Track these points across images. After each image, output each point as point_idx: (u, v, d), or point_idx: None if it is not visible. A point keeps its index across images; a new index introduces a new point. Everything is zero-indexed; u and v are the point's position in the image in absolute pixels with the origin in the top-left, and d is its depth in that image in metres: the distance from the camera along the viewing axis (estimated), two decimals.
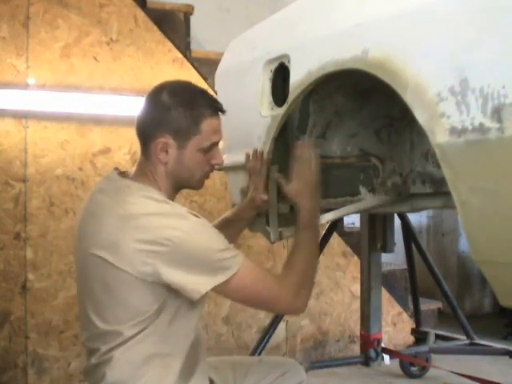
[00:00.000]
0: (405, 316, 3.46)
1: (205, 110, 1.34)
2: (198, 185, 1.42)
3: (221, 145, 1.84)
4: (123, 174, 1.39)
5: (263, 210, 1.64)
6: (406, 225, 2.90)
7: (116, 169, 1.41)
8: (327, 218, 1.71)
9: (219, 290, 1.27)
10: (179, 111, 1.32)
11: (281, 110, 1.55)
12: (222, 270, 1.26)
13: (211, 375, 1.45)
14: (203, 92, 1.38)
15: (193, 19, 3.33)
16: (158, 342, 1.27)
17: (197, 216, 1.29)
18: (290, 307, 1.36)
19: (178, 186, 1.39)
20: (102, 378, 1.28)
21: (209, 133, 1.35)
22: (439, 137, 1.02)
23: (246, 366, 1.56)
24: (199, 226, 1.27)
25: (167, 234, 1.22)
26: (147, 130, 1.34)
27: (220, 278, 1.25)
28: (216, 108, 1.37)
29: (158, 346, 1.28)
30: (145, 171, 1.36)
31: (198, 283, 1.23)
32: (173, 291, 1.25)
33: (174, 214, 1.27)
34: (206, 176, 1.42)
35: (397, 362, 2.92)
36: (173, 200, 1.36)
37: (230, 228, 1.65)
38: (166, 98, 1.33)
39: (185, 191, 2.94)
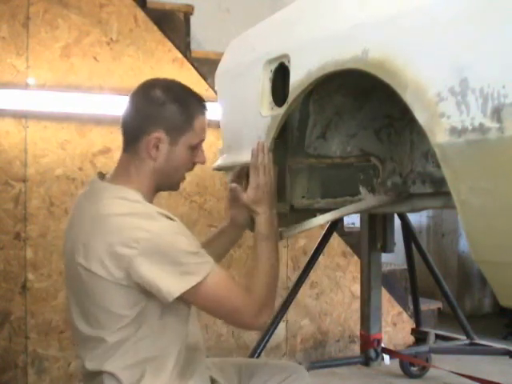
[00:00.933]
0: (405, 316, 3.46)
1: (197, 107, 1.38)
2: (177, 185, 1.43)
3: (220, 145, 1.85)
4: (103, 177, 1.39)
5: (245, 227, 1.62)
6: (405, 225, 2.90)
7: (99, 173, 1.41)
8: (327, 218, 1.70)
9: (187, 297, 1.24)
10: (175, 106, 1.33)
11: (281, 110, 1.55)
12: (190, 274, 1.23)
13: (216, 376, 1.45)
14: (191, 90, 1.41)
15: (193, 19, 3.33)
16: (147, 347, 1.27)
17: (170, 218, 1.27)
18: (253, 322, 1.32)
19: (160, 185, 1.38)
20: None
21: (199, 130, 1.37)
22: (439, 137, 1.02)
23: (252, 368, 1.55)
24: (169, 228, 1.26)
25: (135, 236, 1.21)
26: (139, 125, 1.33)
27: (188, 283, 1.22)
28: (204, 106, 1.40)
29: (149, 351, 1.27)
30: (128, 169, 1.34)
31: (167, 287, 1.21)
32: (151, 295, 1.24)
33: (145, 214, 1.25)
34: (184, 176, 1.42)
35: (397, 362, 2.92)
36: (151, 202, 1.35)
37: (224, 236, 1.64)
38: (160, 93, 1.34)
39: (185, 191, 2.95)
